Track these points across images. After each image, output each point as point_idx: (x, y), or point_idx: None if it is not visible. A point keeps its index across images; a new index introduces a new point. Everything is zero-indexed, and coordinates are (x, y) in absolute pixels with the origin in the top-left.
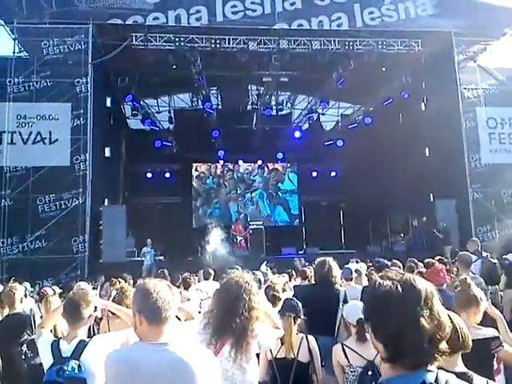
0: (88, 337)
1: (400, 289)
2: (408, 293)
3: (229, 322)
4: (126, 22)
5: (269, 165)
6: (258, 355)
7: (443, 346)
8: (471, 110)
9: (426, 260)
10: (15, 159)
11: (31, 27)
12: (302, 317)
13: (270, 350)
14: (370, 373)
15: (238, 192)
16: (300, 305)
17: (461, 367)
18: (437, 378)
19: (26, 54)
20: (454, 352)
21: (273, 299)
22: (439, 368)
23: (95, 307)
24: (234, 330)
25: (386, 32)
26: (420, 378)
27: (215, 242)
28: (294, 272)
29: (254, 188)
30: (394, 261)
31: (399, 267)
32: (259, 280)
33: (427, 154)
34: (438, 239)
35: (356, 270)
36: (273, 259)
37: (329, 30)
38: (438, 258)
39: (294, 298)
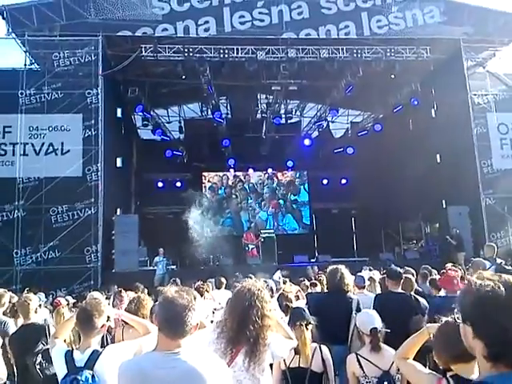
0: (101, 346)
1: (503, 288)
2: (510, 292)
3: (243, 331)
4: (136, 34)
5: (279, 174)
6: (271, 365)
7: None
8: (482, 116)
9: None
10: (28, 170)
11: (42, 40)
12: (312, 322)
13: (284, 360)
14: (385, 383)
15: (249, 202)
16: (307, 312)
17: None
18: None
19: (37, 67)
20: None
21: (286, 308)
22: None
23: (108, 317)
24: (248, 338)
25: (394, 40)
26: None
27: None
28: (306, 280)
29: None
30: (407, 268)
31: (412, 274)
32: (271, 288)
33: (438, 161)
34: (450, 246)
35: (369, 278)
36: (285, 267)
37: (337, 39)
38: (450, 264)
39: (301, 306)
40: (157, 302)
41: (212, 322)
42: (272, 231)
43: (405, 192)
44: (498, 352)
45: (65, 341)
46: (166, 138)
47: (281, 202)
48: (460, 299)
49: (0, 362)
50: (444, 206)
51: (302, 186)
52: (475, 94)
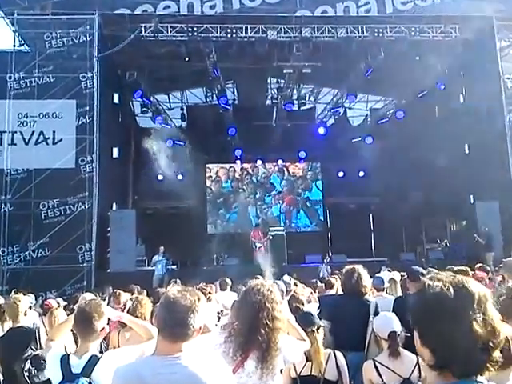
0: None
1: (452, 291)
2: (460, 295)
3: (254, 335)
4: (135, 12)
5: (290, 166)
6: (281, 371)
7: (496, 354)
8: None
9: (459, 267)
10: (16, 161)
11: (32, 19)
12: (322, 325)
13: (294, 367)
14: None
15: (257, 196)
16: (316, 316)
17: None
18: None
19: (27, 48)
20: (506, 365)
21: (296, 311)
22: (489, 380)
23: (108, 319)
24: (259, 343)
25: (420, 17)
26: None
27: None
28: (318, 282)
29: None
30: (430, 269)
31: None
32: (281, 290)
33: (466, 152)
34: (478, 245)
35: (389, 280)
36: (296, 268)
37: (356, 17)
38: (479, 265)
39: (309, 311)
40: (158, 304)
41: (217, 326)
42: (282, 228)
43: (429, 186)
44: (445, 360)
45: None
46: (166, 125)
47: (296, 197)
48: (410, 303)
49: None
50: (472, 202)
51: (314, 183)
52: (508, 78)
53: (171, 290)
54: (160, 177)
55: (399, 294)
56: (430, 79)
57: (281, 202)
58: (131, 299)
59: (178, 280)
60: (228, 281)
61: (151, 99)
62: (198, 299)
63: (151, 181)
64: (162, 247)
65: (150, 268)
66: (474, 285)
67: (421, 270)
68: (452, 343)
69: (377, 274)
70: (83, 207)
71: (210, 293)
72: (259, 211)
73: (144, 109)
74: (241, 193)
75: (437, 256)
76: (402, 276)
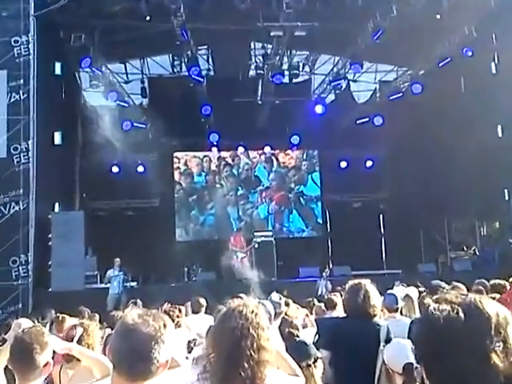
0: None
1: (462, 314)
2: (473, 320)
3: (235, 369)
4: None
5: (280, 154)
6: None
7: None
8: None
9: (495, 281)
10: None
11: None
12: (320, 356)
13: None
14: None
15: (239, 193)
16: (312, 345)
17: None
18: None
19: None
20: None
21: (288, 339)
22: None
23: (54, 352)
24: (242, 380)
25: None
26: None
27: None
28: (315, 301)
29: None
30: (456, 284)
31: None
32: (269, 312)
33: (500, 135)
34: None
35: (404, 297)
36: (287, 283)
37: None
38: None
39: (303, 338)
40: (112, 331)
41: (188, 358)
42: (270, 233)
43: (453, 178)
44: None
45: None
46: (123, 103)
47: (288, 193)
48: (412, 331)
49: None
50: (507, 198)
51: (310, 176)
52: None
53: (130, 314)
54: (115, 169)
55: (417, 315)
56: (454, 43)
57: (269, 200)
58: (75, 326)
59: (138, 301)
60: (202, 301)
61: (103, 70)
62: (164, 325)
63: (104, 174)
64: (119, 259)
65: (103, 286)
66: (491, 305)
67: (443, 284)
68: (465, 382)
69: (389, 291)
70: (17, 208)
71: (178, 317)
72: (242, 212)
73: (94, 82)
74: (218, 189)
75: (463, 267)
76: (420, 293)
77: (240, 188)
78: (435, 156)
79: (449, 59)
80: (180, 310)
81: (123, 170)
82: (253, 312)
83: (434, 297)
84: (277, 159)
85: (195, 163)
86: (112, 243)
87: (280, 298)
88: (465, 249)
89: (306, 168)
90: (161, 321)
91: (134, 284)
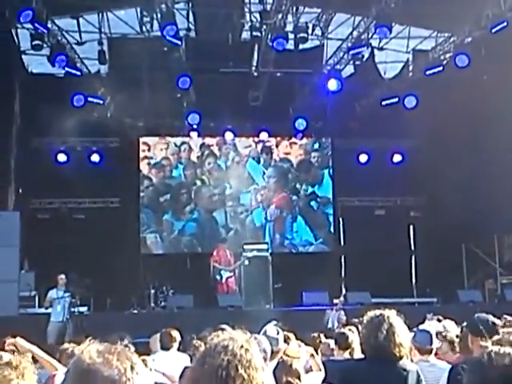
0: None
1: None
2: None
3: None
4: None
5: (280, 142)
6: None
7: None
8: None
9: None
10: None
11: None
12: None
13: None
14: None
15: (227, 192)
16: None
17: None
18: None
19: None
20: None
21: None
22: None
23: None
24: None
25: None
26: None
27: None
28: (323, 337)
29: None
30: (508, 318)
31: None
32: (264, 351)
33: None
34: None
35: (439, 334)
36: (287, 313)
37: None
38: None
39: None
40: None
41: None
42: (264, 247)
43: (507, 180)
44: None
45: None
46: (74, 71)
47: (291, 195)
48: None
49: None
50: None
51: (323, 171)
52: None
53: (87, 352)
54: (62, 157)
55: (455, 358)
56: (511, 2)
57: (267, 202)
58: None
59: (87, 331)
60: (174, 334)
61: (49, 26)
62: (132, 367)
63: (47, 164)
64: (64, 276)
65: (42, 311)
66: None
67: (491, 318)
68: None
69: (420, 326)
70: None
71: (142, 354)
72: (231, 218)
73: (36, 42)
74: (201, 187)
75: None
76: (462, 328)
77: (228, 186)
78: (485, 151)
79: (505, 23)
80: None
81: (72, 158)
82: (242, 347)
83: (494, 338)
84: (277, 149)
85: (170, 152)
86: (56, 255)
87: (278, 333)
88: None
89: (318, 161)
90: (127, 361)
91: (83, 309)
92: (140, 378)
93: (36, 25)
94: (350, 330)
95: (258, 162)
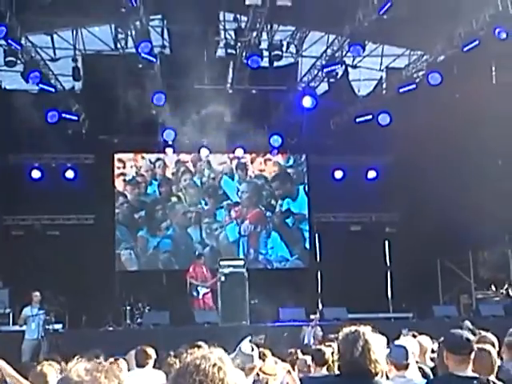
0: None
1: None
2: None
3: None
4: None
5: (255, 158)
6: None
7: None
8: None
9: None
10: None
11: None
12: None
13: None
14: None
15: (205, 208)
16: None
17: None
18: None
19: None
20: None
21: None
22: None
23: None
24: None
25: None
26: None
27: None
28: (300, 353)
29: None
30: (483, 333)
31: (492, 344)
32: (239, 367)
33: None
34: None
35: (414, 351)
36: (263, 329)
37: None
38: None
39: None
40: None
41: None
42: (241, 263)
43: (481, 197)
44: None
45: None
46: (48, 87)
47: (266, 211)
48: None
49: None
50: None
51: (299, 187)
52: None
53: (75, 370)
54: (36, 173)
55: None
56: (482, 21)
57: (240, 218)
58: None
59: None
60: (150, 351)
61: (22, 42)
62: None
63: (21, 180)
64: (38, 293)
65: (17, 328)
66: None
67: (466, 334)
68: None
69: (396, 341)
70: None
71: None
72: (206, 234)
73: (10, 58)
74: (176, 203)
75: (493, 311)
76: (439, 344)
77: (204, 202)
78: (458, 167)
79: (476, 42)
80: (119, 364)
81: (46, 175)
82: (215, 366)
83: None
84: (252, 166)
85: (144, 169)
86: (30, 272)
87: (252, 349)
88: (494, 288)
89: (293, 177)
90: (115, 379)
91: (58, 327)
92: None
93: (9, 41)
94: (327, 345)
95: (232, 179)
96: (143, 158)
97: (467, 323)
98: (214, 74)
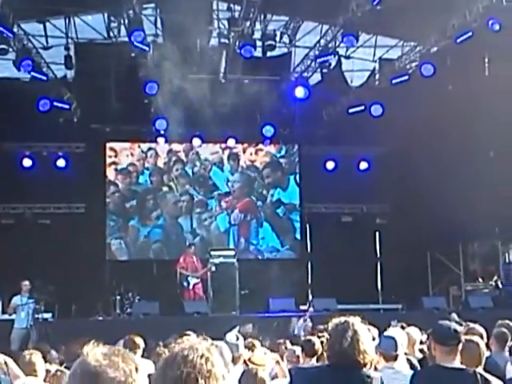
0: None
1: None
2: None
3: None
4: None
5: (247, 148)
6: None
7: None
8: None
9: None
10: None
11: None
12: None
13: None
14: None
15: (196, 199)
16: None
17: None
18: None
19: None
20: None
21: None
22: None
23: None
24: None
25: None
26: None
27: None
28: (288, 343)
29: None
30: (471, 325)
31: (480, 336)
32: (225, 357)
33: None
34: None
35: (404, 341)
36: (253, 319)
37: None
38: None
39: None
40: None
41: None
42: (232, 253)
43: (472, 189)
44: None
45: None
46: (40, 76)
47: (257, 201)
48: None
49: None
50: None
51: (288, 178)
52: None
53: (92, 354)
54: (27, 162)
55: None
56: (476, 13)
57: (231, 208)
58: None
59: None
60: (138, 340)
61: (15, 30)
62: (136, 369)
63: (11, 169)
64: (28, 282)
65: (6, 317)
66: None
67: (454, 325)
68: None
69: (385, 332)
70: None
71: None
72: (197, 224)
73: (2, 46)
74: (167, 193)
75: (482, 302)
76: (428, 335)
77: (196, 192)
78: (449, 159)
79: (470, 33)
80: None
81: (38, 163)
82: (202, 356)
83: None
84: (244, 156)
85: (136, 157)
86: (20, 261)
87: (237, 338)
88: (481, 280)
89: (284, 167)
90: (132, 363)
91: (47, 316)
92: (142, 380)
93: (1, 29)
94: (318, 336)
95: (222, 170)
96: (135, 147)
97: (454, 316)
98: (206, 63)
